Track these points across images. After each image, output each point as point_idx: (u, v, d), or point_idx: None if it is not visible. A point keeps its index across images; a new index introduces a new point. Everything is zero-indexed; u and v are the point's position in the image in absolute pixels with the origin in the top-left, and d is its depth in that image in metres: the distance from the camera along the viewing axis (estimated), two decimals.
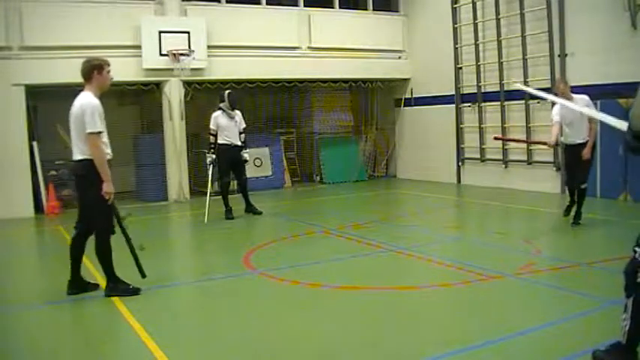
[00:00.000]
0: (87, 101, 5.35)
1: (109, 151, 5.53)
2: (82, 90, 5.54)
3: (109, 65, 5.59)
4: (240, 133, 9.79)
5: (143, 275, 5.72)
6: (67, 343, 4.56)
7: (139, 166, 12.59)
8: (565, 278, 5.82)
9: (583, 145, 7.85)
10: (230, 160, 9.73)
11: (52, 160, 11.85)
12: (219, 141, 9.68)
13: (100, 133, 5.32)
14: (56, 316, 5.22)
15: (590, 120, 7.73)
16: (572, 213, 8.16)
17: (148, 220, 10.49)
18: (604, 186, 10.27)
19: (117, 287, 5.54)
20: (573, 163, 8.05)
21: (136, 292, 5.56)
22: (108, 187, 5.33)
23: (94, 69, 5.47)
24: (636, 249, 3.42)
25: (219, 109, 9.72)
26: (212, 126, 9.71)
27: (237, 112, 9.83)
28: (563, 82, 8.07)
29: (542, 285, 5.60)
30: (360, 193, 13.30)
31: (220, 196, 9.94)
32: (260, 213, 10.03)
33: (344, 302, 5.33)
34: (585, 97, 7.77)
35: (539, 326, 4.39)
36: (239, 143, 9.75)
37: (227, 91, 9.87)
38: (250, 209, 10.07)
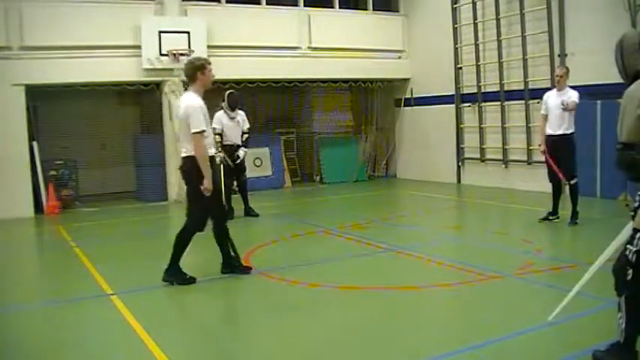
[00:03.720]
0: (190, 103, 5.71)
1: (212, 150, 5.88)
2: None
3: (210, 64, 5.91)
4: (244, 133, 9.71)
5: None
6: (66, 343, 4.56)
7: (139, 166, 12.59)
8: (565, 278, 5.80)
9: (559, 137, 7.88)
10: (232, 160, 9.66)
11: (52, 160, 11.87)
12: (222, 142, 9.55)
13: (203, 131, 5.64)
14: (56, 316, 5.22)
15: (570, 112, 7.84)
16: (558, 217, 8.24)
17: (148, 220, 10.50)
18: (604, 186, 10.27)
19: (176, 275, 5.85)
20: (549, 155, 8.07)
21: (192, 281, 5.87)
22: (208, 184, 5.64)
23: (197, 70, 5.79)
24: (629, 247, 3.44)
25: (221, 108, 9.69)
26: (215, 125, 9.41)
27: (241, 113, 9.76)
28: (562, 68, 8.33)
29: (542, 285, 5.60)
30: (360, 193, 13.29)
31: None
32: (256, 215, 9.96)
33: (344, 302, 5.33)
34: (574, 93, 7.90)
35: (539, 326, 4.39)
36: (240, 143, 9.69)
37: (228, 91, 9.80)
38: (247, 211, 10.00)
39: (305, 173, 15.64)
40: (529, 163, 11.88)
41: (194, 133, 5.60)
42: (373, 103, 15.97)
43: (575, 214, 8.03)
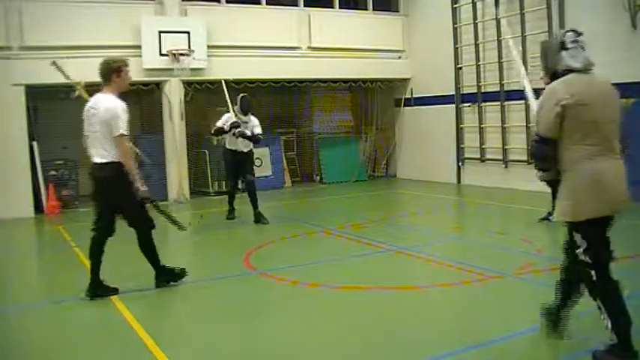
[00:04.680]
0: (113, 104, 5.33)
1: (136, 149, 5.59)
2: (98, 91, 5.55)
3: (127, 66, 5.54)
4: (253, 136, 9.23)
5: (182, 228, 6.34)
6: (66, 342, 4.56)
7: (138, 166, 12.50)
8: None
9: None
10: (235, 165, 9.40)
11: (52, 160, 11.87)
12: (226, 145, 9.42)
13: (127, 134, 5.34)
14: (56, 316, 5.22)
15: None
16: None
17: None
18: None
19: (165, 275, 5.75)
20: None
21: (182, 274, 5.80)
22: (142, 185, 5.57)
23: (113, 72, 5.42)
24: (577, 251, 3.51)
25: (232, 111, 9.36)
26: (218, 123, 9.23)
27: (252, 118, 9.32)
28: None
29: (542, 285, 5.59)
30: (360, 193, 13.30)
31: (227, 195, 9.78)
32: (267, 222, 9.24)
33: (344, 302, 5.33)
34: None
35: (539, 326, 4.38)
36: (245, 150, 9.31)
37: (240, 95, 9.42)
38: (257, 217, 9.28)
39: (305, 173, 15.63)
40: (529, 163, 11.86)
41: (119, 136, 5.28)
42: (373, 103, 15.97)
43: None
